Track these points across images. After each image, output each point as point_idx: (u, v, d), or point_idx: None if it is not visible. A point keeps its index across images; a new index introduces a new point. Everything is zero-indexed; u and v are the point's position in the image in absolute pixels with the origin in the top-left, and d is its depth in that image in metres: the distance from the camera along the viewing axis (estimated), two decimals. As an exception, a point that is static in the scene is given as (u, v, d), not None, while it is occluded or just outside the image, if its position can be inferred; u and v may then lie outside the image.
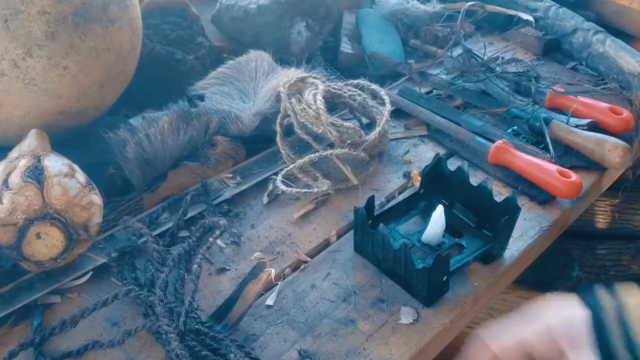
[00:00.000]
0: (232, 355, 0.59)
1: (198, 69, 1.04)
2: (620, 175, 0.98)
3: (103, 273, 0.72)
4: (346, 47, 1.18)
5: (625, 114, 0.95)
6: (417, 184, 0.83)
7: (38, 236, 0.65)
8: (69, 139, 0.86)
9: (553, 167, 0.83)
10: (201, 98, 0.98)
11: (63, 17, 0.76)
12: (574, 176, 0.82)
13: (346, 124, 0.87)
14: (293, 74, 0.96)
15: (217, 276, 0.72)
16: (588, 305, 0.45)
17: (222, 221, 0.74)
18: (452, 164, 0.84)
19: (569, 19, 1.18)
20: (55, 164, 0.68)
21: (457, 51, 1.12)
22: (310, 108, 0.87)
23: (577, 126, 0.93)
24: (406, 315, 0.67)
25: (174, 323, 0.61)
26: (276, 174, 0.86)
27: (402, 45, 1.22)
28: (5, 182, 0.66)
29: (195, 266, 0.67)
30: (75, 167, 0.71)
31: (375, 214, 0.76)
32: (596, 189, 0.91)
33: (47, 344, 0.63)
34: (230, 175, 0.87)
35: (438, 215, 0.71)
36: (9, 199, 0.64)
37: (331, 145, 0.88)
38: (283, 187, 0.82)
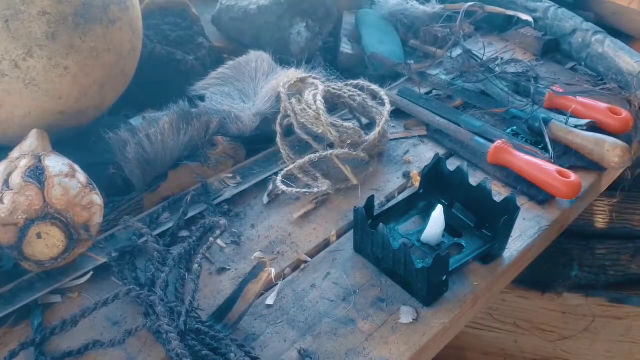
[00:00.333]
0: (232, 355, 0.59)
1: (198, 69, 1.05)
2: (619, 175, 0.98)
3: (104, 273, 0.72)
4: (346, 47, 1.18)
5: (624, 114, 0.95)
6: (417, 184, 0.84)
7: (39, 236, 0.65)
8: (70, 139, 0.86)
9: (552, 167, 0.83)
10: (201, 98, 0.98)
11: (63, 17, 0.76)
12: (573, 176, 0.82)
13: (346, 124, 0.87)
14: (293, 74, 0.96)
15: (217, 276, 0.72)
16: None
17: (223, 221, 0.75)
18: (452, 164, 0.84)
19: (568, 20, 1.18)
20: (56, 164, 0.69)
21: (457, 52, 1.12)
22: (310, 108, 0.87)
23: (576, 126, 0.93)
24: (406, 315, 0.67)
25: (174, 322, 0.61)
26: (276, 174, 0.86)
27: (402, 45, 1.22)
28: (6, 182, 0.66)
29: (195, 266, 0.67)
30: (76, 167, 0.71)
31: (375, 213, 0.76)
32: (595, 189, 0.91)
33: (47, 343, 0.64)
34: (230, 175, 0.87)
35: (438, 215, 0.72)
36: (9, 199, 0.64)
37: (331, 146, 0.88)
38: (283, 187, 0.83)
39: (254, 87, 0.99)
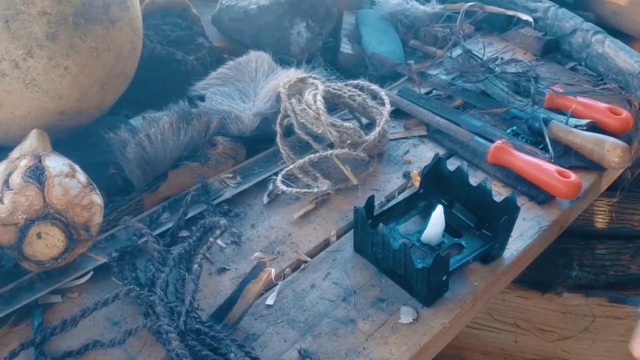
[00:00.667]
0: (232, 355, 0.59)
1: (198, 69, 1.05)
2: (619, 175, 0.98)
3: (104, 273, 0.72)
4: (346, 47, 1.18)
5: (624, 114, 0.95)
6: (417, 184, 0.84)
7: (39, 236, 0.65)
8: (70, 139, 0.86)
9: (552, 167, 0.83)
10: (201, 98, 0.98)
11: (64, 17, 0.76)
12: (573, 176, 0.82)
13: (346, 124, 0.87)
14: (293, 74, 0.96)
15: (217, 276, 0.72)
16: None
17: (223, 221, 0.75)
18: (452, 164, 0.84)
19: (568, 20, 1.18)
20: (56, 164, 0.69)
21: (457, 52, 1.12)
22: (310, 108, 0.87)
23: (576, 126, 0.93)
24: (406, 315, 0.67)
25: (174, 322, 0.61)
26: (276, 174, 0.86)
27: (402, 45, 1.22)
28: (6, 182, 0.66)
29: (195, 266, 0.67)
30: (76, 167, 0.71)
31: (375, 213, 0.76)
32: (595, 189, 0.91)
33: (47, 343, 0.64)
34: (230, 175, 0.87)
35: (438, 215, 0.72)
36: (10, 199, 0.64)
37: (331, 146, 0.88)
38: (283, 187, 0.83)
39: (254, 87, 0.99)
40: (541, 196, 0.84)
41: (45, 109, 0.79)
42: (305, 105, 0.88)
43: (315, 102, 0.87)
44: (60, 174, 0.67)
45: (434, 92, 1.09)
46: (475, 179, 0.84)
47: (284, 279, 0.72)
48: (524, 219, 0.80)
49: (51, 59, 0.76)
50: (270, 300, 0.69)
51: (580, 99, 0.98)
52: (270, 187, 0.85)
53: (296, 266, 0.74)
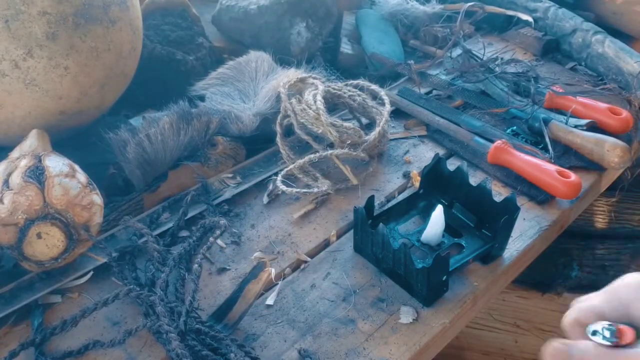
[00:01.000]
0: (232, 355, 0.59)
1: (198, 69, 1.05)
2: (619, 175, 0.98)
3: (104, 273, 0.72)
4: (346, 47, 1.18)
5: (624, 114, 0.95)
6: (417, 184, 0.84)
7: (39, 236, 0.65)
8: (70, 139, 0.86)
9: (552, 167, 0.83)
10: (201, 98, 0.98)
11: (64, 17, 0.76)
12: (573, 176, 0.82)
13: (346, 124, 0.87)
14: (293, 74, 0.96)
15: (217, 276, 0.72)
16: None
17: (223, 221, 0.75)
18: (452, 164, 0.84)
19: (568, 20, 1.18)
20: (56, 164, 0.69)
21: (457, 52, 1.12)
22: (310, 108, 0.87)
23: (576, 126, 0.93)
24: (406, 315, 0.67)
25: (174, 322, 0.61)
26: (276, 174, 0.86)
27: (402, 45, 1.22)
28: (6, 182, 0.66)
29: (195, 266, 0.67)
30: (76, 167, 0.71)
31: (375, 213, 0.76)
32: (595, 189, 0.91)
33: (47, 343, 0.64)
34: (230, 175, 0.87)
35: (437, 215, 0.72)
36: (9, 199, 0.64)
37: (331, 146, 0.88)
38: (283, 187, 0.83)
39: (254, 87, 0.99)
40: (541, 196, 0.84)
41: (45, 109, 0.79)
42: (305, 105, 0.88)
43: (315, 102, 0.87)
44: (60, 174, 0.67)
45: (434, 92, 1.09)
46: (475, 179, 0.84)
47: (284, 279, 0.72)
48: (524, 219, 0.80)
49: (51, 59, 0.76)
50: (270, 300, 0.69)
51: (580, 99, 0.98)
52: (270, 187, 0.85)
53: (296, 266, 0.74)
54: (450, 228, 0.75)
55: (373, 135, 0.88)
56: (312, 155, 0.86)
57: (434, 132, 0.98)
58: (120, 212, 0.79)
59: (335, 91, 0.93)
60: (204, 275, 0.71)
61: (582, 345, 0.42)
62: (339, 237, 0.78)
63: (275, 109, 0.93)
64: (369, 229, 0.71)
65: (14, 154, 0.73)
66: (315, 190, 0.83)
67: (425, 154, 0.94)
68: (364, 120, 0.96)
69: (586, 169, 0.90)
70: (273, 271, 0.66)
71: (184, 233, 0.78)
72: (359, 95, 0.94)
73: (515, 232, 0.76)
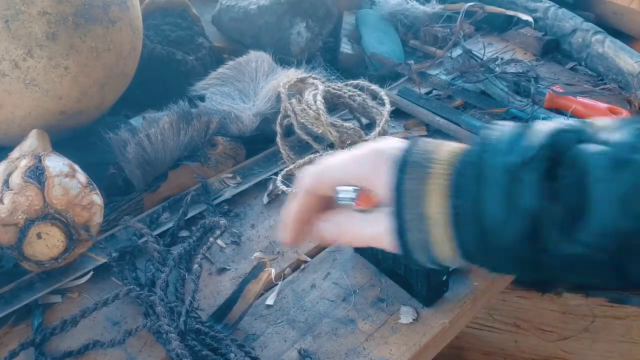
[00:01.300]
0: (232, 355, 0.59)
1: (198, 69, 1.05)
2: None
3: (104, 273, 0.72)
4: (346, 47, 1.18)
5: (624, 114, 0.95)
6: (417, 184, 0.83)
7: (39, 236, 0.65)
8: (70, 139, 0.86)
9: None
10: (201, 98, 0.98)
11: (64, 17, 0.76)
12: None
13: (346, 124, 0.87)
14: (293, 74, 0.96)
15: (217, 276, 0.72)
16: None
17: (223, 221, 0.75)
18: (452, 164, 0.84)
19: (568, 20, 1.18)
20: (56, 164, 0.69)
21: (457, 52, 1.12)
22: (310, 108, 0.87)
23: (576, 126, 0.93)
24: (406, 315, 0.67)
25: (174, 322, 0.61)
26: (276, 174, 0.86)
27: (402, 45, 1.22)
28: (6, 182, 0.66)
29: (195, 266, 0.67)
30: (76, 167, 0.71)
31: (375, 214, 0.76)
32: (595, 189, 0.91)
33: (47, 343, 0.64)
34: (230, 175, 0.87)
35: (438, 215, 0.71)
36: (9, 199, 0.64)
37: (331, 146, 0.88)
38: (283, 187, 0.83)
39: (254, 87, 0.99)
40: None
41: (45, 109, 0.79)
42: (305, 105, 0.88)
43: (315, 102, 0.87)
44: (60, 174, 0.67)
45: (434, 92, 1.09)
46: (475, 179, 0.84)
47: (284, 279, 0.72)
48: (524, 219, 0.80)
49: (51, 59, 0.76)
50: (270, 300, 0.69)
51: (580, 99, 0.98)
52: (270, 187, 0.85)
53: (296, 266, 0.74)
54: (450, 228, 0.75)
55: (373, 135, 0.88)
56: (312, 156, 0.86)
57: (434, 132, 0.98)
58: (120, 212, 0.79)
59: (335, 91, 0.93)
60: (204, 275, 0.71)
61: (326, 216, 0.47)
62: (339, 237, 0.78)
63: (275, 109, 0.93)
64: (369, 229, 0.71)
65: (14, 154, 0.73)
66: (315, 190, 0.83)
67: (425, 154, 0.94)
68: (364, 120, 0.96)
69: (586, 169, 0.90)
70: (273, 271, 0.66)
71: (184, 233, 0.78)
72: (359, 95, 0.94)
73: (515, 232, 0.76)
